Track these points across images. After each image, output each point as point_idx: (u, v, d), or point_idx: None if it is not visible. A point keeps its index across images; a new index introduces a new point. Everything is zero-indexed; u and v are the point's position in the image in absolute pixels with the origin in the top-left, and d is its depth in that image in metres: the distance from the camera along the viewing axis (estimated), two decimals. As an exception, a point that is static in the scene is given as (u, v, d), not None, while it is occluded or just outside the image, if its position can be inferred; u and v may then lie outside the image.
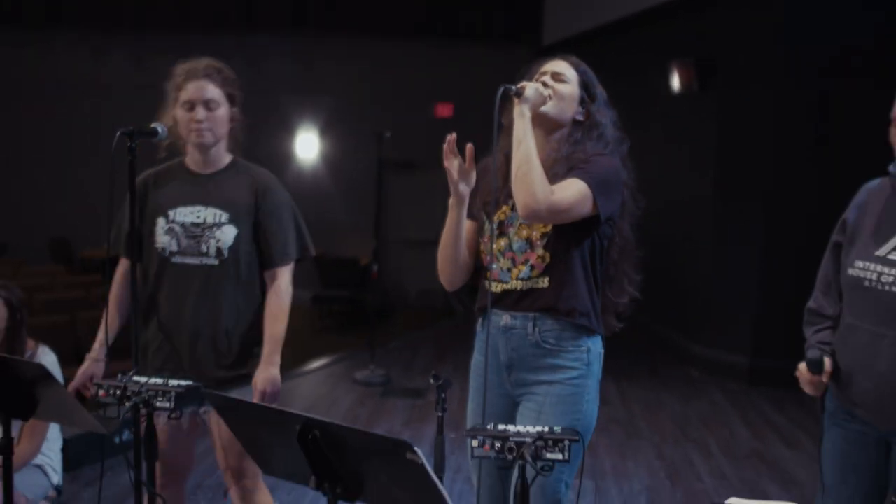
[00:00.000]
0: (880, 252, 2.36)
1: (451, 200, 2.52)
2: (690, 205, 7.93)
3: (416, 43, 11.84)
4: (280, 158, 12.21)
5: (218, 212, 2.82)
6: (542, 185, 2.33)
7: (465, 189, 2.48)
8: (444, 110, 12.67)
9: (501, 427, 2.00)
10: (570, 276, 2.45)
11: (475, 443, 1.98)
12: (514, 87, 2.40)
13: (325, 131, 12.35)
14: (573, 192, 2.36)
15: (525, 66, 2.63)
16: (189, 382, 2.24)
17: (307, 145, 12.76)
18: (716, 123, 7.49)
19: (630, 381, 6.86)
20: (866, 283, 2.36)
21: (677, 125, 8.18)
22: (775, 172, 7.03)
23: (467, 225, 2.59)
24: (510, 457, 1.94)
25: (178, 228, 2.82)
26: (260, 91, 10.17)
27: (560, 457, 1.94)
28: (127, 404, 2.17)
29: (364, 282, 12.04)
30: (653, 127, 8.28)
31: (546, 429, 1.98)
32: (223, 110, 2.84)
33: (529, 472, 1.98)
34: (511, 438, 1.95)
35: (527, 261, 2.48)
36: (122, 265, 2.96)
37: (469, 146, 2.44)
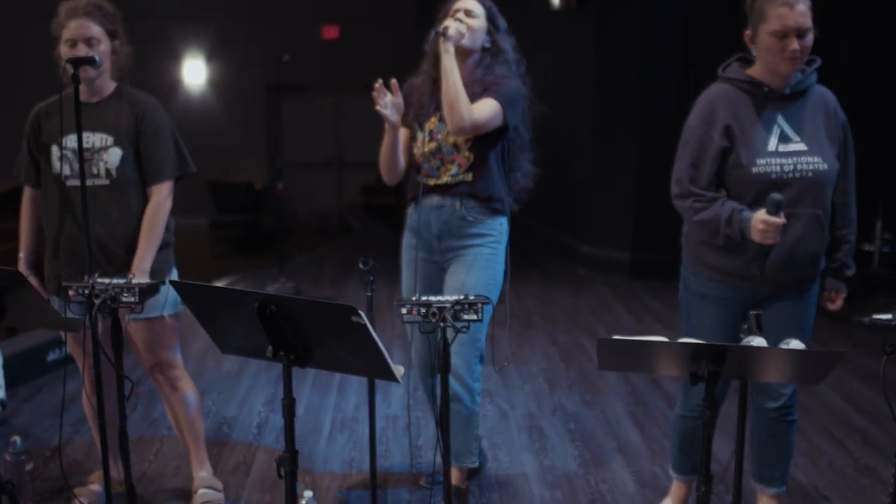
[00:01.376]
0: (771, 148, 2.77)
1: (386, 126, 3.17)
2: (572, 113, 8.42)
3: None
4: (167, 86, 12.12)
5: (104, 136, 3.06)
6: (467, 108, 3.05)
7: (396, 118, 3.12)
8: (331, 32, 12.75)
9: (425, 298, 2.41)
10: (487, 171, 3.24)
11: (404, 310, 2.38)
12: (440, 29, 3.06)
13: (212, 57, 12.28)
14: (488, 109, 3.11)
15: (440, 5, 3.27)
16: (148, 281, 2.56)
17: (194, 71, 12.68)
18: (593, 37, 7.95)
19: (523, 281, 7.42)
20: (773, 176, 2.75)
21: (559, 39, 8.61)
22: (647, 80, 7.56)
23: (402, 132, 3.26)
24: (433, 320, 2.36)
25: (69, 154, 3.04)
26: (145, 17, 10.13)
27: (475, 317, 2.37)
28: (97, 301, 2.47)
29: (259, 205, 12.22)
30: (538, 40, 8.71)
31: (462, 297, 2.40)
32: (104, 46, 3.04)
33: (449, 334, 2.40)
34: (434, 305, 2.36)
35: (453, 161, 3.23)
36: (27, 193, 3.22)
37: (393, 81, 3.07)
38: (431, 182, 3.27)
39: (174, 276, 3.23)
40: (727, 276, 2.88)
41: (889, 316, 2.26)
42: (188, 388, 3.34)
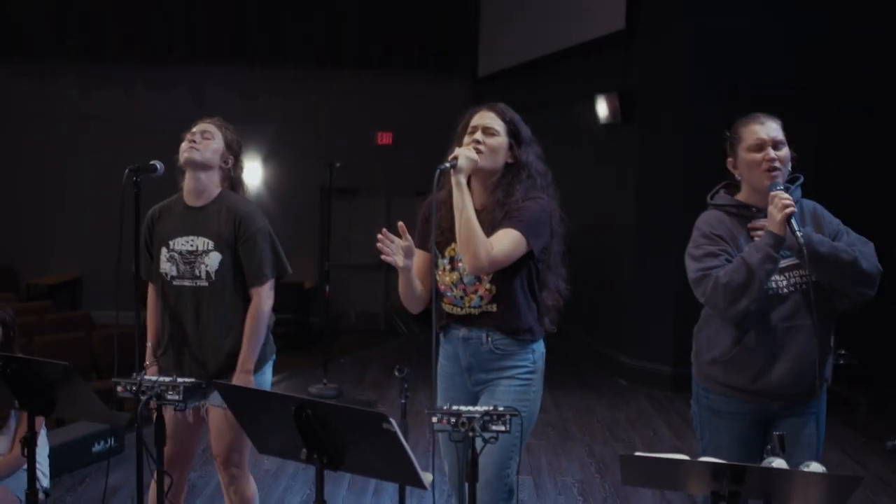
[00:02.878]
0: None
1: (398, 269, 2.93)
2: (615, 224, 8.54)
3: (356, 74, 12.31)
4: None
5: (206, 240, 3.31)
6: (483, 248, 2.80)
7: (408, 263, 2.89)
8: (384, 138, 13.16)
9: (455, 407, 2.49)
10: (512, 302, 2.98)
11: (435, 419, 2.47)
12: (447, 164, 2.82)
13: (268, 159, 12.70)
14: (508, 242, 2.86)
15: (459, 118, 3.08)
16: (194, 379, 2.69)
17: (251, 172, 13.09)
18: (637, 150, 8.14)
19: (562, 390, 7.42)
20: (770, 292, 2.85)
21: (603, 151, 8.82)
22: (687, 194, 7.67)
23: (420, 256, 3.06)
24: (462, 429, 2.43)
25: (176, 256, 3.32)
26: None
27: (503, 428, 2.44)
28: (143, 397, 2.60)
29: (308, 305, 12.41)
30: (581, 153, 8.95)
31: (490, 407, 2.48)
32: (217, 143, 3.37)
33: (478, 444, 2.47)
34: (463, 415, 2.45)
35: (476, 291, 3.00)
36: (151, 288, 3.47)
37: (400, 224, 2.85)
38: (456, 311, 3.05)
39: (269, 373, 3.44)
40: (735, 392, 2.95)
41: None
42: (247, 491, 3.40)
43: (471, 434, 2.44)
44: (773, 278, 2.85)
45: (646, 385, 7.86)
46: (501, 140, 2.97)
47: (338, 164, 7.17)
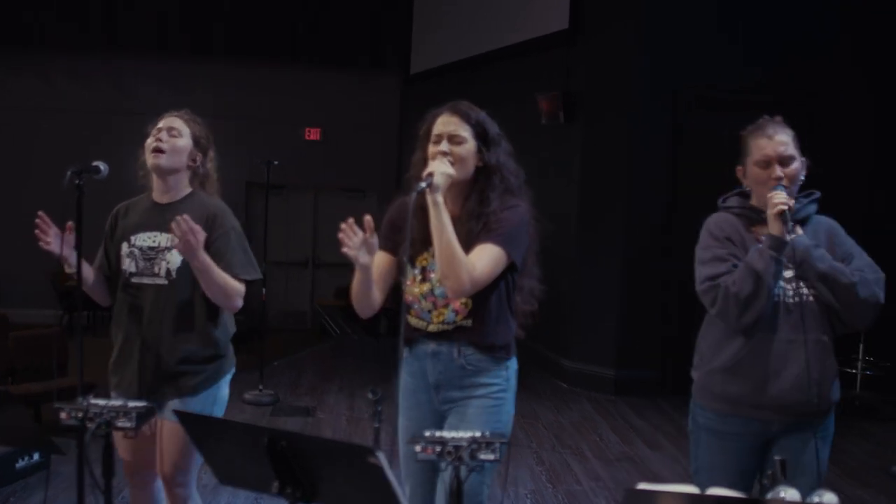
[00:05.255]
0: None
1: (357, 265, 2.66)
2: (557, 227, 8.43)
3: (285, 67, 11.99)
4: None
5: (171, 237, 3.02)
6: (465, 270, 2.61)
7: (367, 260, 2.62)
8: (313, 134, 12.91)
9: (439, 434, 2.30)
10: (489, 318, 2.79)
11: (418, 447, 2.26)
12: (423, 184, 2.59)
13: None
14: (489, 261, 2.68)
15: (420, 124, 2.85)
16: (145, 403, 2.43)
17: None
18: (580, 151, 8.06)
19: (506, 394, 7.30)
20: (775, 299, 2.74)
21: (545, 152, 8.72)
22: (631, 197, 7.64)
23: (382, 257, 2.82)
24: (449, 459, 2.24)
25: (136, 252, 3.11)
26: (127, 112, 10.15)
27: (492, 457, 2.25)
28: (90, 425, 2.34)
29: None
30: (522, 154, 8.78)
31: (478, 434, 2.29)
32: (185, 141, 3.16)
33: (462, 473, 2.28)
34: (449, 443, 2.25)
35: (447, 305, 2.79)
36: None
37: (367, 219, 2.57)
38: (422, 326, 2.83)
39: (225, 388, 3.23)
40: (736, 407, 2.82)
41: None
42: None
43: (455, 464, 2.27)
44: (780, 287, 2.76)
45: (587, 388, 7.79)
46: (470, 146, 2.77)
47: (275, 162, 6.88)
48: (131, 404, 2.40)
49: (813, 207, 2.89)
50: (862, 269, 2.75)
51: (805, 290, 2.76)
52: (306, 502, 2.17)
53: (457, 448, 2.24)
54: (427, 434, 2.29)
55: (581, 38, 8.13)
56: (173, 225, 2.83)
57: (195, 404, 3.07)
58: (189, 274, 3.03)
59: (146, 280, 3.08)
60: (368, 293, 2.76)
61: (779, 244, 2.68)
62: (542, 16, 8.52)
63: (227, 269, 3.06)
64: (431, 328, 2.81)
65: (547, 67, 8.62)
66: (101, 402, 2.41)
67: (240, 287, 3.08)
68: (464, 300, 2.76)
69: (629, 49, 7.65)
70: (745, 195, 2.95)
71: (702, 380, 2.94)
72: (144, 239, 3.11)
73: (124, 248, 3.14)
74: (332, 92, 12.08)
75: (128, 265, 3.12)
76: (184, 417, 2.21)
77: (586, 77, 8.02)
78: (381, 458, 1.95)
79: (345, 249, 2.56)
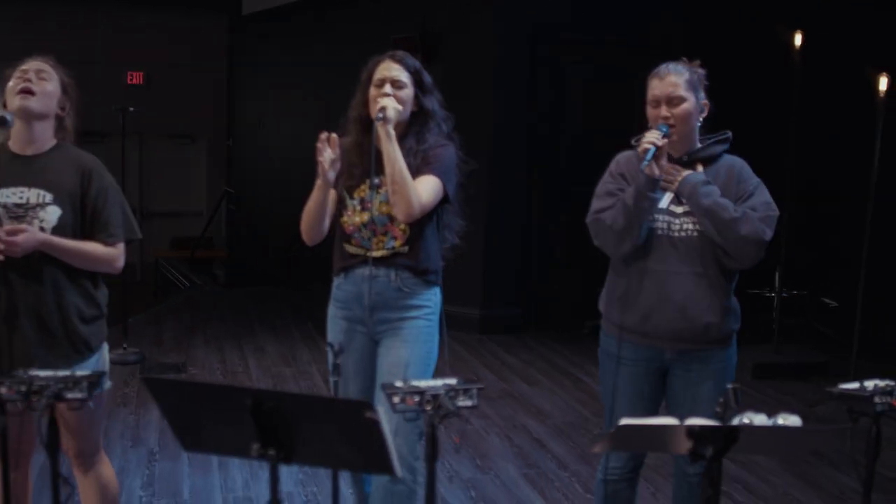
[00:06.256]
0: (663, 206, 2.89)
1: (319, 182, 3.02)
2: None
3: (102, 6, 11.29)
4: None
5: (42, 192, 2.82)
6: (415, 196, 2.96)
7: (332, 175, 2.99)
8: (136, 78, 12.33)
9: (413, 383, 2.28)
10: (424, 244, 3.14)
11: (397, 399, 2.24)
12: (380, 115, 2.94)
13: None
14: (431, 189, 3.04)
15: (361, 68, 3.16)
16: (94, 371, 2.28)
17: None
18: (442, 93, 8.03)
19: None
20: (659, 232, 2.88)
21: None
22: (493, 138, 7.74)
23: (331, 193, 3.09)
24: (428, 408, 2.23)
25: (1, 211, 2.80)
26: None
27: (469, 402, 2.27)
28: (37, 399, 2.16)
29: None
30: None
31: (446, 382, 2.29)
32: (54, 86, 2.91)
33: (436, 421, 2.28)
34: (427, 392, 2.24)
35: (387, 232, 3.09)
36: None
37: (333, 136, 2.94)
38: (363, 253, 3.11)
39: (105, 350, 3.05)
40: (630, 335, 2.97)
41: (856, 385, 2.37)
42: (106, 471, 3.08)
43: (430, 412, 2.26)
44: (666, 221, 2.88)
45: (455, 329, 7.90)
46: (409, 91, 3.09)
47: (131, 109, 6.51)
48: (79, 373, 2.25)
49: (720, 147, 2.97)
50: (755, 207, 2.85)
51: (690, 226, 2.87)
52: (287, 462, 2.12)
53: (435, 397, 2.24)
54: (399, 384, 2.28)
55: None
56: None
57: (85, 369, 2.81)
58: (66, 231, 2.83)
59: None
60: (324, 216, 3.08)
61: (649, 181, 2.77)
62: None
63: (104, 229, 2.90)
64: (374, 254, 3.08)
65: (402, 7, 8.51)
66: (45, 373, 2.23)
67: (114, 251, 2.92)
68: (402, 227, 3.07)
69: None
70: None
71: (605, 308, 3.10)
72: (9, 195, 2.80)
73: None
74: (154, 34, 11.51)
75: None
76: (152, 384, 2.07)
77: (448, 18, 8.00)
78: (378, 412, 1.92)
79: (320, 159, 2.93)
